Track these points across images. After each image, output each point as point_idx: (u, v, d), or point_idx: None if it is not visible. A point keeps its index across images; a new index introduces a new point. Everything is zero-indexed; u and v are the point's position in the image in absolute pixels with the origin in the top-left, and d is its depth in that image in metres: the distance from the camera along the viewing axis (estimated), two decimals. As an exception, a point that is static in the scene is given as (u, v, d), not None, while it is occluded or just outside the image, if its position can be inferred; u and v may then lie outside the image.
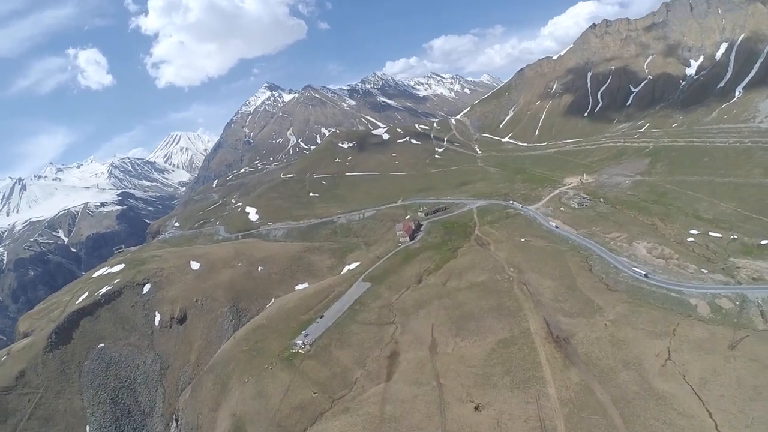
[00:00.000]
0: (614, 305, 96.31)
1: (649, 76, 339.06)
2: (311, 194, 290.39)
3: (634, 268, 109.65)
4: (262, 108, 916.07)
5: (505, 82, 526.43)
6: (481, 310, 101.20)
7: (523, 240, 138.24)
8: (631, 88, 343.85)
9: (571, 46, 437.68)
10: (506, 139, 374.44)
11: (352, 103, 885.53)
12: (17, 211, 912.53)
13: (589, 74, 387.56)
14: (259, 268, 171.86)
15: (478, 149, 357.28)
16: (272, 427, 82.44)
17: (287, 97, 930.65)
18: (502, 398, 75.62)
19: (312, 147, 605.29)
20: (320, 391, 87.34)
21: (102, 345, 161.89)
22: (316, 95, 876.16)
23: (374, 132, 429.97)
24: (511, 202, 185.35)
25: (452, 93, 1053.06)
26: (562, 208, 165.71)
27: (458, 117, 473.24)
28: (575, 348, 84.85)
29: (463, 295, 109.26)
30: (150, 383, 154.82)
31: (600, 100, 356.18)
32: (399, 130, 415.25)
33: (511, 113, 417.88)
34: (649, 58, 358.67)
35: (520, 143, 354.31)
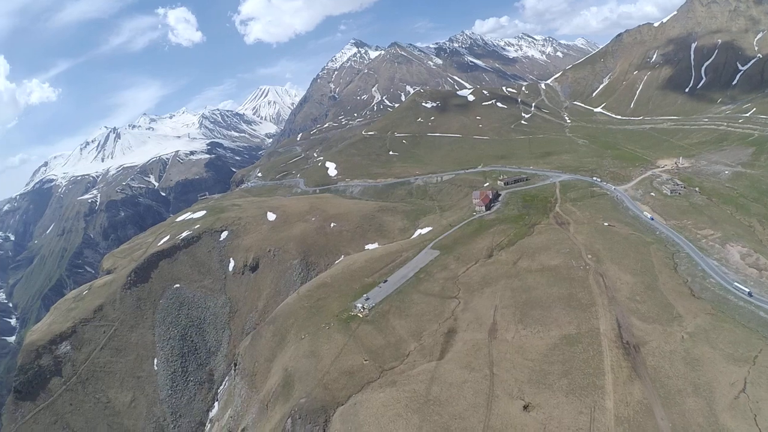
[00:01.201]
0: (696, 315, 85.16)
1: (759, 55, 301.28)
2: (391, 153, 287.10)
3: (735, 284, 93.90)
4: (348, 64, 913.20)
5: (600, 47, 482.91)
6: (550, 298, 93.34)
7: (606, 224, 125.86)
8: (738, 66, 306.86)
9: (675, 13, 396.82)
10: (598, 110, 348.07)
11: (439, 62, 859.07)
12: (111, 158, 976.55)
13: (693, 46, 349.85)
14: (332, 225, 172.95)
15: (567, 118, 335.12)
16: (318, 388, 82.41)
17: (373, 54, 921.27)
18: (554, 402, 69.28)
19: (396, 105, 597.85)
20: (371, 359, 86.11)
21: (177, 285, 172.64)
22: (402, 53, 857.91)
23: (459, 93, 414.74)
24: (597, 179, 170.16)
25: (543, 56, 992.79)
26: (652, 193, 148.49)
27: (548, 82, 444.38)
28: (644, 359, 76.30)
29: (533, 278, 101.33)
30: (218, 325, 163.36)
31: (703, 75, 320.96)
32: (485, 92, 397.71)
33: (605, 82, 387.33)
34: (760, 35, 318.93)
35: (612, 115, 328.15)
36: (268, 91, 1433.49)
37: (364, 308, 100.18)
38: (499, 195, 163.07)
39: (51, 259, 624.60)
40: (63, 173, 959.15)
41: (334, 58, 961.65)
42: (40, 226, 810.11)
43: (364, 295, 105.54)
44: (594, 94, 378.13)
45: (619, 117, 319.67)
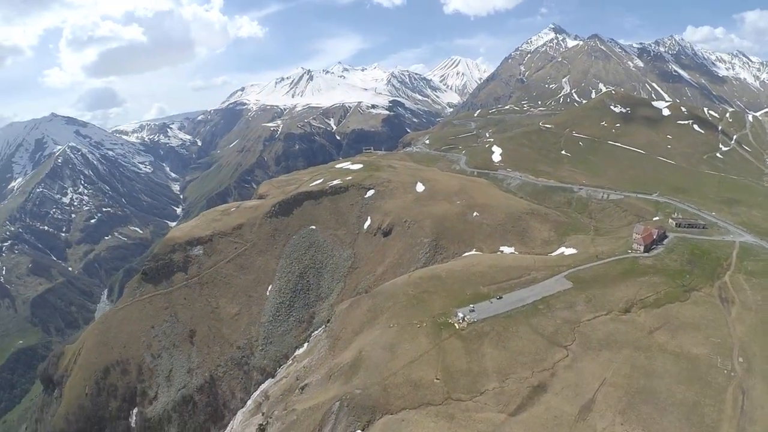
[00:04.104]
0: None
1: None
2: (563, 152, 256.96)
3: None
4: (543, 49, 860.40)
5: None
6: (671, 399, 70.32)
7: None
8: None
9: None
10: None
11: (639, 64, 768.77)
12: (301, 96, 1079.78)
13: None
14: (474, 214, 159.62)
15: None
16: (377, 386, 74.54)
17: (570, 43, 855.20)
18: None
19: (584, 101, 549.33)
20: (444, 380, 74.40)
21: (313, 227, 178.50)
22: (602, 47, 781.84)
23: (654, 103, 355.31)
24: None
25: (757, 82, 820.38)
26: None
27: (758, 114, 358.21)
28: None
29: (662, 362, 77.42)
30: (336, 275, 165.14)
31: None
32: (683, 109, 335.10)
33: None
34: None
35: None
36: (459, 62, 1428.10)
37: (464, 320, 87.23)
38: (666, 236, 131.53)
39: (226, 169, 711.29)
40: (255, 100, 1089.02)
41: (529, 41, 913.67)
42: (225, 139, 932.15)
43: (471, 305, 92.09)
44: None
45: None
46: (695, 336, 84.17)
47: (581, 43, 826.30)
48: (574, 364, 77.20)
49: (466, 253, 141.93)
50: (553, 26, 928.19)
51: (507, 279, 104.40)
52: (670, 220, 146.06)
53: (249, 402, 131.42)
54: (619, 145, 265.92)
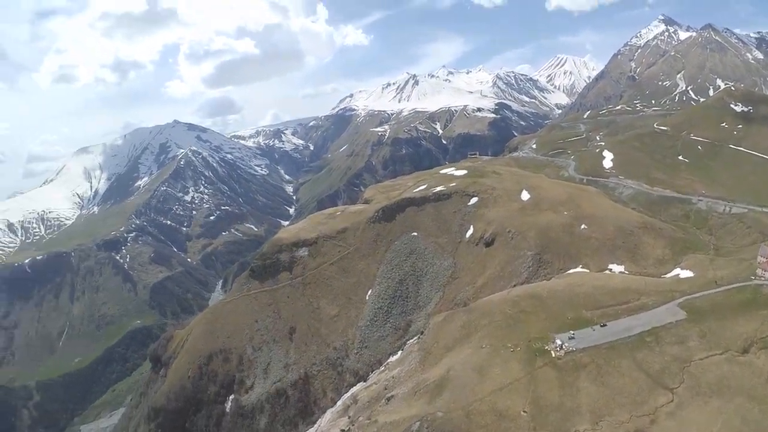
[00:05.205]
0: None
1: None
2: (680, 158, 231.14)
3: None
4: (654, 43, 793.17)
5: None
6: None
7: None
8: None
9: None
10: None
11: (759, 56, 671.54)
12: (407, 101, 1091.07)
13: None
14: (582, 226, 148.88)
15: None
16: (460, 411, 71.04)
17: (683, 35, 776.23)
18: None
19: (701, 99, 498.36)
20: (532, 414, 68.79)
21: (415, 234, 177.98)
22: (717, 38, 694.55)
23: None
24: None
25: None
26: None
27: None
28: None
29: None
30: (435, 284, 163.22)
31: None
32: None
33: None
34: None
35: None
36: (565, 61, 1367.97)
37: (561, 347, 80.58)
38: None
39: (336, 172, 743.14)
40: (363, 105, 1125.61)
41: (638, 34, 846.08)
42: (335, 144, 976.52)
43: (571, 332, 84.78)
44: None
45: None
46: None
47: (694, 34, 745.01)
48: (678, 411, 67.45)
49: (571, 270, 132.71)
50: (662, 17, 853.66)
51: (613, 304, 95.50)
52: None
53: (339, 403, 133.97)
54: (742, 149, 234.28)
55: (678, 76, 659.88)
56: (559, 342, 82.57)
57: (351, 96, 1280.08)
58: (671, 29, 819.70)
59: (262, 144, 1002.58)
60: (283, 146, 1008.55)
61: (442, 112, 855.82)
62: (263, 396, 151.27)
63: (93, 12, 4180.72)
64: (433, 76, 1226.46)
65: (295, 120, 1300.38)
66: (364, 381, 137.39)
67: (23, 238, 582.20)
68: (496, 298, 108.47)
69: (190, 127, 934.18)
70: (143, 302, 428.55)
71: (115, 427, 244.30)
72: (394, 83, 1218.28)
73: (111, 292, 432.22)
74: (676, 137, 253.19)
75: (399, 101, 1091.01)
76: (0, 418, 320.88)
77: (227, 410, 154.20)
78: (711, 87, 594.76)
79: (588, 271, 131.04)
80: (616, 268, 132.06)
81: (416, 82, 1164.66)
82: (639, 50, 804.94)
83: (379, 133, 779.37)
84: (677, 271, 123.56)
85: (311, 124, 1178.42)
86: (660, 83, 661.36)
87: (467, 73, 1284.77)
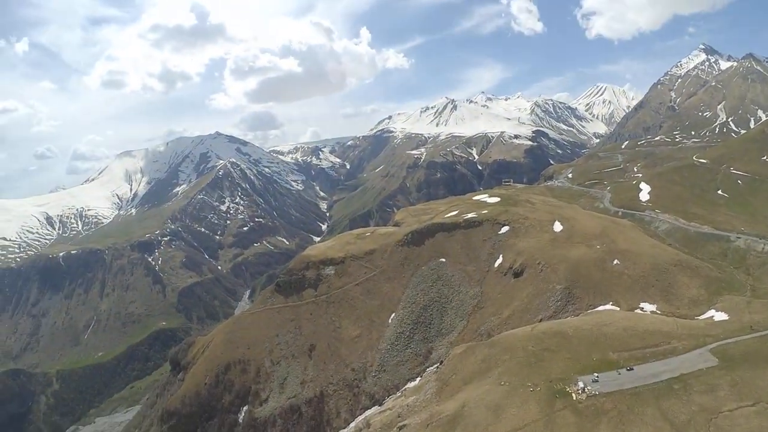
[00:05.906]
0: None
1: None
2: (719, 192, 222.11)
3: None
4: (694, 73, 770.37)
5: None
6: None
7: None
8: None
9: None
10: None
11: None
12: (445, 125, 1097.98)
13: None
14: (615, 261, 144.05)
15: None
16: None
17: (724, 65, 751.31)
18: None
19: (741, 131, 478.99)
20: None
21: (443, 260, 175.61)
22: (758, 67, 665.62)
23: None
24: None
25: None
26: None
27: None
28: None
29: None
30: (460, 312, 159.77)
31: None
32: None
33: None
34: None
35: None
36: (604, 90, 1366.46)
37: (584, 390, 76.65)
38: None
39: (371, 192, 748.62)
40: (401, 128, 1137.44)
41: (679, 64, 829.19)
42: (371, 164, 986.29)
43: (595, 374, 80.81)
44: None
45: None
46: None
47: (735, 64, 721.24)
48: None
49: (600, 307, 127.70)
50: (703, 47, 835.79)
51: (642, 346, 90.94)
52: None
53: (351, 425, 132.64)
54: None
55: (719, 106, 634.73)
56: (581, 384, 78.82)
57: (389, 118, 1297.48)
58: (712, 59, 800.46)
59: (299, 160, 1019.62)
60: (320, 163, 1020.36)
61: (478, 138, 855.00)
62: (276, 410, 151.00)
63: (144, 23, 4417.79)
64: (471, 101, 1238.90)
65: (333, 138, 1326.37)
66: (380, 405, 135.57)
67: (60, 232, 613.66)
68: (520, 333, 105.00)
69: (231, 139, 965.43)
70: (170, 305, 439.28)
71: (129, 424, 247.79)
72: (432, 107, 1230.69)
73: (140, 292, 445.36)
74: (716, 171, 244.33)
75: (437, 125, 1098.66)
76: (18, 401, 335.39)
77: (240, 420, 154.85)
78: (752, 118, 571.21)
79: (618, 308, 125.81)
80: (648, 307, 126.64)
81: (454, 107, 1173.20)
82: (679, 80, 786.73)
83: (415, 156, 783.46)
84: (711, 312, 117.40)
85: (349, 143, 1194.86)
86: (700, 114, 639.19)
87: (506, 99, 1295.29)
